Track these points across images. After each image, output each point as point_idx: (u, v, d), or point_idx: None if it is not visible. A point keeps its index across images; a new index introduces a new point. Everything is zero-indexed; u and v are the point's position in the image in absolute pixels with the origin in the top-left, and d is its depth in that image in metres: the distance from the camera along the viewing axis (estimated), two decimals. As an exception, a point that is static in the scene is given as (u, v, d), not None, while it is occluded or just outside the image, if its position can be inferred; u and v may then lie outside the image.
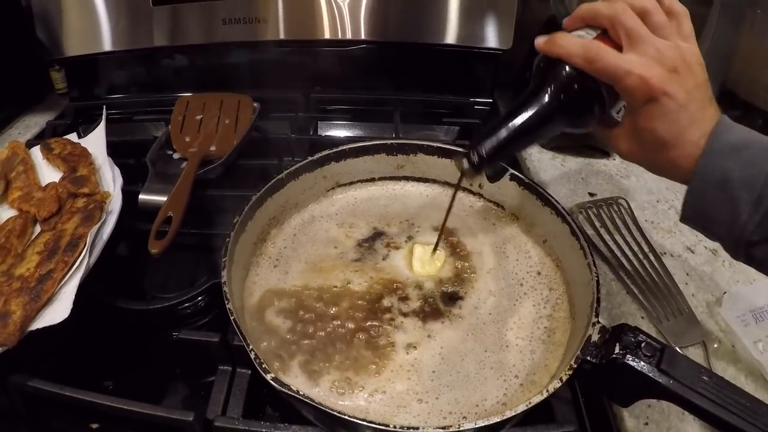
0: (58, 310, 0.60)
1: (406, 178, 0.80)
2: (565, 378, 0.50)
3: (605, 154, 1.03)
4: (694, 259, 0.81)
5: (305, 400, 0.47)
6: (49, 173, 0.82)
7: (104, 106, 0.88)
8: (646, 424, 0.60)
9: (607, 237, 0.83)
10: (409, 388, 0.57)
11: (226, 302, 0.55)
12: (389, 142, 0.77)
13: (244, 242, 0.65)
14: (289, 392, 0.48)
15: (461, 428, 0.46)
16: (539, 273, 0.70)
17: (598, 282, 0.59)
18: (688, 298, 0.73)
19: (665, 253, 0.81)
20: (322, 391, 0.56)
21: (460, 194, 0.79)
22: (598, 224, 0.85)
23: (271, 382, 0.49)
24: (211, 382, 0.63)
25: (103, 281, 0.70)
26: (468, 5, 1.04)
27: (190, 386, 0.69)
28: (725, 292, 0.74)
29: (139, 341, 0.71)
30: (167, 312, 0.69)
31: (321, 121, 1.08)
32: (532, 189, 0.72)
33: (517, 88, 1.16)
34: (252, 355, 0.51)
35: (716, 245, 0.80)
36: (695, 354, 0.67)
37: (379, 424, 0.46)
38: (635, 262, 0.79)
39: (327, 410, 0.47)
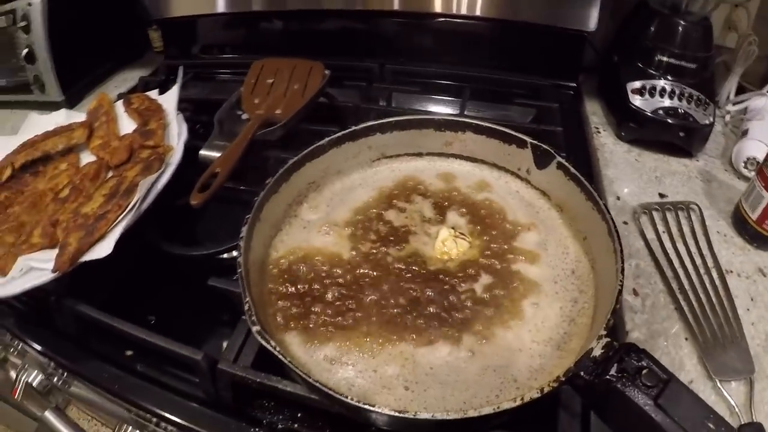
0: (104, 247, 0.66)
1: (455, 156, 0.79)
2: (546, 390, 0.47)
3: (687, 153, 0.94)
4: (764, 283, 0.73)
5: (281, 358, 0.49)
6: (128, 125, 0.90)
7: (180, 68, 0.94)
8: None
9: (668, 244, 0.77)
10: (400, 374, 0.56)
11: (238, 255, 0.58)
12: (437, 117, 0.76)
13: (276, 202, 0.68)
14: (268, 346, 0.50)
15: (417, 416, 0.45)
16: (573, 272, 0.65)
17: (620, 291, 0.53)
18: (745, 326, 0.66)
19: (731, 272, 0.74)
20: (314, 356, 0.57)
21: (507, 177, 0.77)
22: (661, 229, 0.79)
23: (256, 334, 0.51)
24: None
25: (158, 227, 0.77)
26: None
27: (221, 328, 0.73)
28: None
29: (181, 283, 0.76)
30: (206, 260, 0.75)
31: (395, 92, 1.08)
32: (577, 180, 0.67)
33: (602, 73, 1.10)
34: (246, 306, 0.53)
35: None
36: (737, 390, 0.60)
37: (339, 395, 0.47)
38: (693, 277, 0.72)
39: (295, 369, 0.48)
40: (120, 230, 0.68)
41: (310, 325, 0.59)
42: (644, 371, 0.45)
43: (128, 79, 1.23)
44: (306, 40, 1.17)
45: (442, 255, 0.67)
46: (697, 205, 0.83)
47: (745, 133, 0.92)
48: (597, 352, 0.48)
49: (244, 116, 0.92)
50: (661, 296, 0.71)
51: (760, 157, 0.85)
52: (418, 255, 0.67)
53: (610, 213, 0.62)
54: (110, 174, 0.82)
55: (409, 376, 0.55)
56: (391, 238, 0.68)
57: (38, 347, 0.72)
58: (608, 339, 0.49)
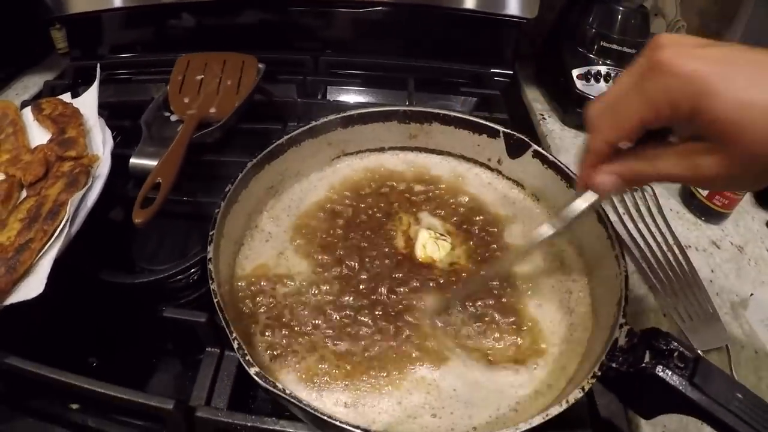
0: (33, 284, 0.55)
1: (419, 149, 0.74)
2: (587, 387, 0.45)
3: (631, 135, 0.96)
4: (720, 255, 0.77)
5: (292, 400, 0.42)
6: (40, 135, 0.77)
7: (98, 65, 0.82)
8: None
9: (630, 225, 0.78)
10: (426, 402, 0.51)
11: (211, 282, 0.50)
12: (402, 108, 0.71)
13: (236, 213, 0.60)
14: (275, 390, 0.43)
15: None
16: (562, 262, 0.63)
17: (626, 277, 0.53)
18: (711, 297, 0.69)
19: (689, 246, 0.76)
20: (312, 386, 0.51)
21: (477, 169, 0.73)
22: (621, 210, 0.80)
23: (255, 377, 0.44)
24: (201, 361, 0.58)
25: (89, 252, 0.65)
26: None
27: (181, 363, 0.65)
28: (752, 294, 0.70)
29: (126, 315, 0.66)
30: (156, 286, 0.64)
31: (330, 85, 1.01)
32: (557, 169, 0.65)
33: (539, 61, 1.10)
34: (235, 345, 0.46)
35: (743, 241, 0.79)
36: (718, 359, 0.63)
37: (363, 429, 0.41)
38: (659, 255, 0.73)
39: (315, 413, 0.42)
40: (50, 261, 0.57)
41: (304, 360, 0.53)
42: (675, 353, 0.45)
43: (30, 85, 1.08)
44: (225, 34, 1.07)
45: (425, 259, 0.62)
46: (649, 185, 0.84)
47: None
48: (621, 341, 0.47)
49: (173, 118, 0.82)
50: (634, 276, 0.71)
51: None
52: (402, 262, 0.62)
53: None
54: (24, 194, 0.69)
55: (435, 403, 0.51)
56: (365, 245, 0.63)
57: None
58: (629, 326, 0.48)
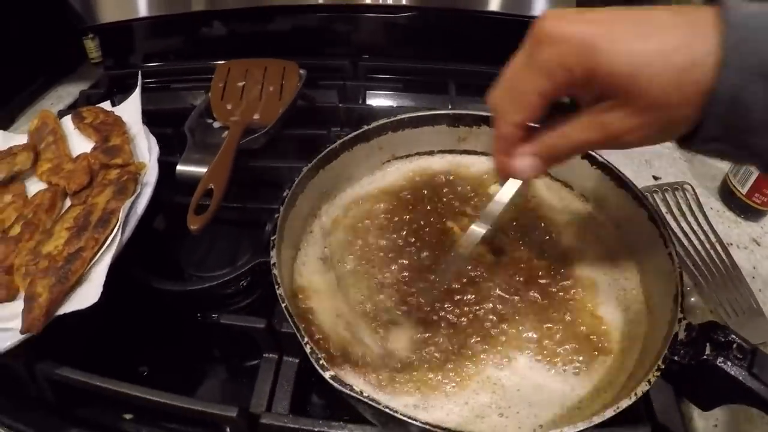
0: (87, 293, 0.55)
1: (468, 152, 0.73)
2: (653, 379, 0.45)
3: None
4: (760, 251, 0.76)
5: (368, 402, 0.41)
6: (81, 144, 0.77)
7: (139, 72, 0.82)
8: (716, 426, 0.56)
9: (673, 224, 0.79)
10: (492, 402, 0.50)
11: (277, 287, 0.49)
12: (451, 112, 0.70)
13: (294, 218, 0.59)
14: (351, 393, 0.42)
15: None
16: (614, 262, 0.62)
17: (681, 274, 0.52)
18: (755, 293, 0.69)
19: (731, 244, 0.77)
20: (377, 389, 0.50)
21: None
22: (664, 210, 0.81)
23: (331, 381, 0.43)
24: (253, 367, 0.58)
25: (137, 259, 0.64)
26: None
27: (230, 371, 0.65)
28: None
29: (176, 323, 0.65)
30: (206, 293, 0.64)
31: (369, 90, 1.01)
32: (607, 169, 0.64)
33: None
34: (308, 349, 0.45)
35: None
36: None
37: (436, 427, 0.40)
38: (703, 253, 0.75)
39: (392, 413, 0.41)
40: (105, 269, 0.56)
41: (367, 363, 0.52)
42: (734, 345, 0.46)
43: (64, 95, 1.08)
44: (259, 41, 1.07)
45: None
46: (690, 184, 0.85)
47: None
48: (681, 335, 0.48)
49: (216, 125, 0.82)
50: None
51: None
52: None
53: (647, 199, 0.60)
54: (68, 202, 0.69)
55: (501, 402, 0.50)
56: (425, 251, 0.62)
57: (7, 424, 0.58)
58: (687, 321, 0.49)
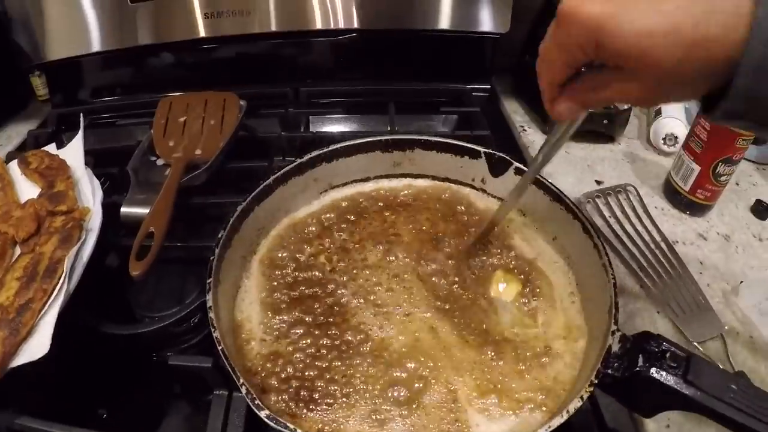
0: (38, 345, 0.56)
1: (404, 175, 0.75)
2: (585, 395, 0.46)
3: (609, 139, 0.99)
4: (707, 246, 0.78)
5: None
6: (29, 189, 0.77)
7: (81, 114, 0.83)
8: (668, 426, 0.57)
9: (617, 227, 0.79)
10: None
11: (213, 330, 0.50)
12: (383, 138, 0.72)
13: (231, 258, 0.61)
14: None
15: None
16: (564, 275, 0.65)
17: (615, 285, 0.54)
18: (703, 289, 0.71)
19: (677, 242, 0.78)
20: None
21: (464, 189, 0.74)
22: (607, 214, 0.82)
23: (267, 420, 0.45)
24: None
25: (86, 304, 0.65)
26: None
27: (192, 406, 0.65)
28: (741, 282, 0.72)
29: (132, 364, 0.66)
30: (157, 333, 0.65)
31: (312, 115, 1.02)
32: (539, 183, 0.67)
33: (516, 74, 1.12)
34: (243, 390, 0.46)
35: (729, 230, 0.81)
36: (714, 347, 0.64)
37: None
38: (648, 254, 0.75)
39: None
40: (53, 320, 0.57)
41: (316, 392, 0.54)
42: (668, 354, 0.47)
43: (13, 135, 1.07)
44: (205, 72, 1.09)
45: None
46: (633, 186, 0.86)
47: (658, 112, 0.97)
48: (615, 347, 0.49)
49: (160, 162, 0.83)
50: (626, 278, 0.73)
51: (678, 133, 0.92)
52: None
53: (581, 211, 0.63)
54: (17, 251, 0.70)
55: None
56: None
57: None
58: (621, 333, 0.50)
